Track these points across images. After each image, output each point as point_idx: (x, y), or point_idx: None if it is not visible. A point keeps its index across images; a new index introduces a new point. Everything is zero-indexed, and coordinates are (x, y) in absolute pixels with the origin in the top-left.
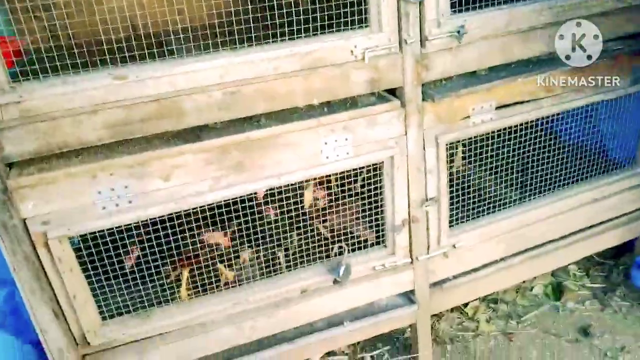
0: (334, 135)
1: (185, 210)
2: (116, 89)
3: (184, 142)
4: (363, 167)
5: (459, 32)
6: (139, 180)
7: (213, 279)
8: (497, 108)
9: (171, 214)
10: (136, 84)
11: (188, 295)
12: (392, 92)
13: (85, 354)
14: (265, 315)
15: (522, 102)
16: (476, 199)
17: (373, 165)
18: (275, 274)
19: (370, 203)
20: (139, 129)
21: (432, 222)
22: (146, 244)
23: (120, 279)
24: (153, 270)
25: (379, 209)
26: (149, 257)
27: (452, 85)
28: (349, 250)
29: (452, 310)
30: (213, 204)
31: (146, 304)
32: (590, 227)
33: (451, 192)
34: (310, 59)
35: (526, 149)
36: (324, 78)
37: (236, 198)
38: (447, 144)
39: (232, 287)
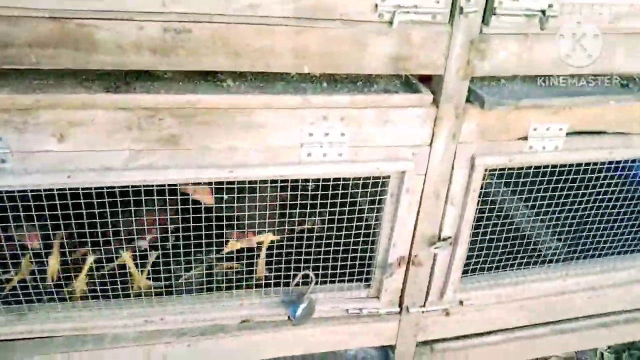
0: (326, 125)
1: (84, 189)
2: None
3: (95, 90)
4: (358, 179)
5: (544, 12)
6: (19, 134)
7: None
8: (569, 134)
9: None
10: None
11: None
12: (424, 80)
13: None
14: (185, 344)
15: (603, 133)
16: (507, 246)
17: (373, 179)
18: (209, 293)
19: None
20: (25, 57)
21: (438, 269)
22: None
23: None
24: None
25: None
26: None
27: (512, 89)
28: (317, 281)
29: None
30: (126, 187)
31: (22, 298)
32: None
33: (476, 232)
34: (309, 4)
35: (589, 195)
36: (326, 38)
37: (161, 186)
38: (486, 170)
39: (144, 297)
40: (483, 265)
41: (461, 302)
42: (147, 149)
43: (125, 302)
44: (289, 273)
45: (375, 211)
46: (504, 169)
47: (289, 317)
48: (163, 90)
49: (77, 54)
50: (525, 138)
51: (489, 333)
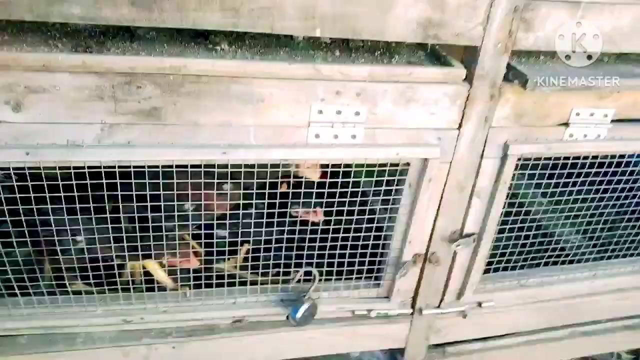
0: (339, 101)
1: (47, 169)
2: None
3: (60, 49)
4: (371, 166)
5: None
6: None
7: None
8: (613, 122)
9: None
10: None
11: None
12: (455, 51)
13: None
14: (169, 345)
15: None
16: (530, 244)
17: (391, 166)
18: (197, 290)
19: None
20: None
21: (458, 268)
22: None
23: None
24: None
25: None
26: None
27: (555, 68)
28: (320, 278)
29: None
30: (99, 167)
31: None
32: None
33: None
34: None
35: (620, 191)
36: None
37: (141, 167)
38: (519, 159)
39: (122, 293)
40: (506, 265)
41: (480, 304)
42: (124, 123)
43: (100, 298)
44: (288, 270)
45: (389, 203)
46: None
47: (287, 316)
48: (143, 52)
49: (35, 1)
50: (566, 124)
51: (505, 336)
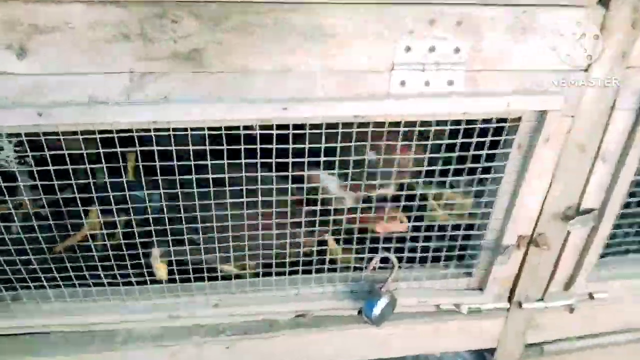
0: (433, 33)
1: (67, 136)
2: None
3: None
4: (474, 123)
5: None
6: None
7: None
8: None
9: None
10: None
11: None
12: None
13: None
14: (222, 345)
15: None
16: None
17: (497, 122)
18: (253, 279)
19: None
20: None
21: (569, 253)
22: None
23: None
24: None
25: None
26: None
27: None
28: (399, 266)
29: None
30: (129, 130)
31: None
32: None
33: None
34: None
35: None
36: None
37: (181, 130)
38: None
39: (166, 284)
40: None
41: (591, 295)
42: (158, 71)
43: (141, 290)
44: (362, 256)
45: (489, 171)
46: None
47: (359, 311)
48: None
49: None
50: None
51: (612, 333)
